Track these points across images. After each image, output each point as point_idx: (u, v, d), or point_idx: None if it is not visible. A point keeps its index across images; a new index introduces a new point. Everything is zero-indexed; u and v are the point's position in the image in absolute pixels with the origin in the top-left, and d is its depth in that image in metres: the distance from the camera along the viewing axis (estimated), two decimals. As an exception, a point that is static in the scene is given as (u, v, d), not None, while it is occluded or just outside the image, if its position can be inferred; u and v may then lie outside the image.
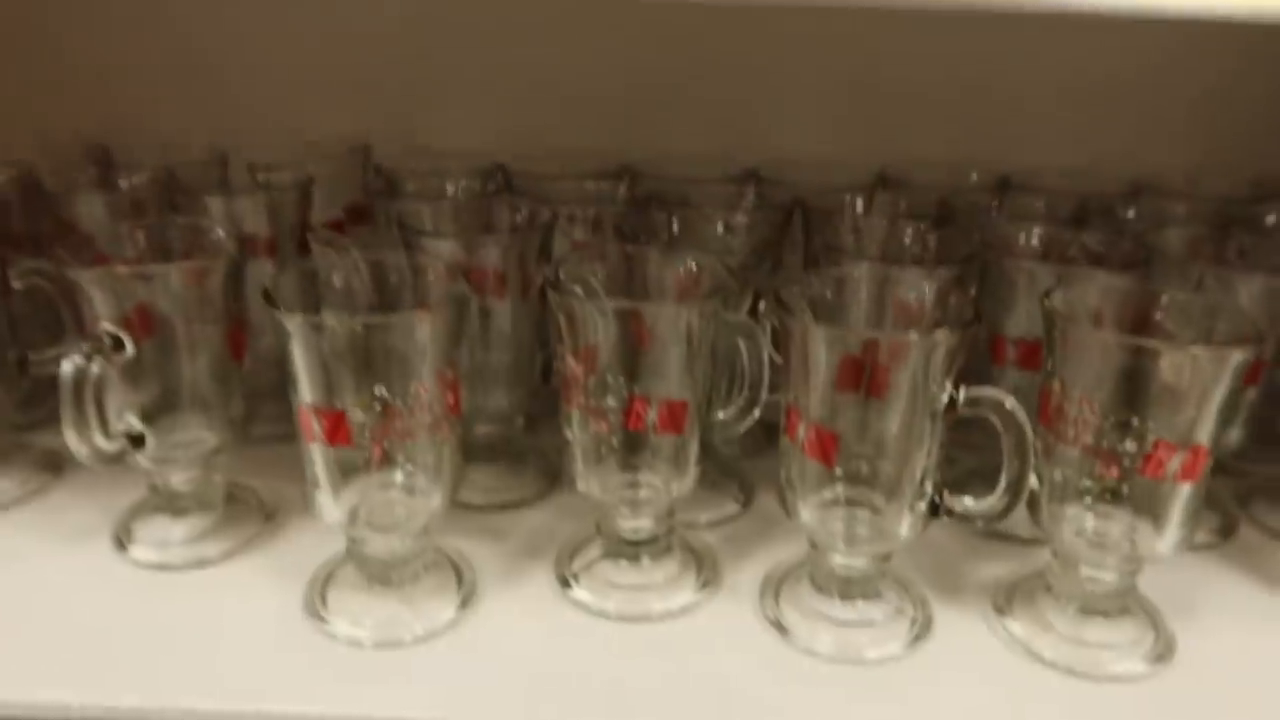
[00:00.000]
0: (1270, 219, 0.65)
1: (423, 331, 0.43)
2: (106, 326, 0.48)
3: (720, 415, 0.52)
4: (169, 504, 0.55)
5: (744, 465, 0.63)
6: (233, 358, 0.52)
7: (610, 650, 0.47)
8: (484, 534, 0.56)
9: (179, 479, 0.54)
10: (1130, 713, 0.45)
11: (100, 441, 0.48)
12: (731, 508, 0.59)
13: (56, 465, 0.62)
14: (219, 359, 0.52)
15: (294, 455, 0.48)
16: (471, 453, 0.60)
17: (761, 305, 0.55)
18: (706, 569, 0.53)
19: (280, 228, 0.62)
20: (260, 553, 0.54)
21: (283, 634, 0.48)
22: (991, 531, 0.57)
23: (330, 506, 0.46)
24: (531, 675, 0.46)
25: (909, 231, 0.59)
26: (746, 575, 0.53)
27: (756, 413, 0.52)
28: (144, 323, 0.49)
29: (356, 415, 0.43)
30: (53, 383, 0.47)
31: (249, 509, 0.57)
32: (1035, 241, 0.57)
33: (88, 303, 0.48)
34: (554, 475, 0.61)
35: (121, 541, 0.54)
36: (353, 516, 0.47)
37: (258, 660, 0.46)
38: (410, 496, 0.47)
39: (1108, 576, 0.47)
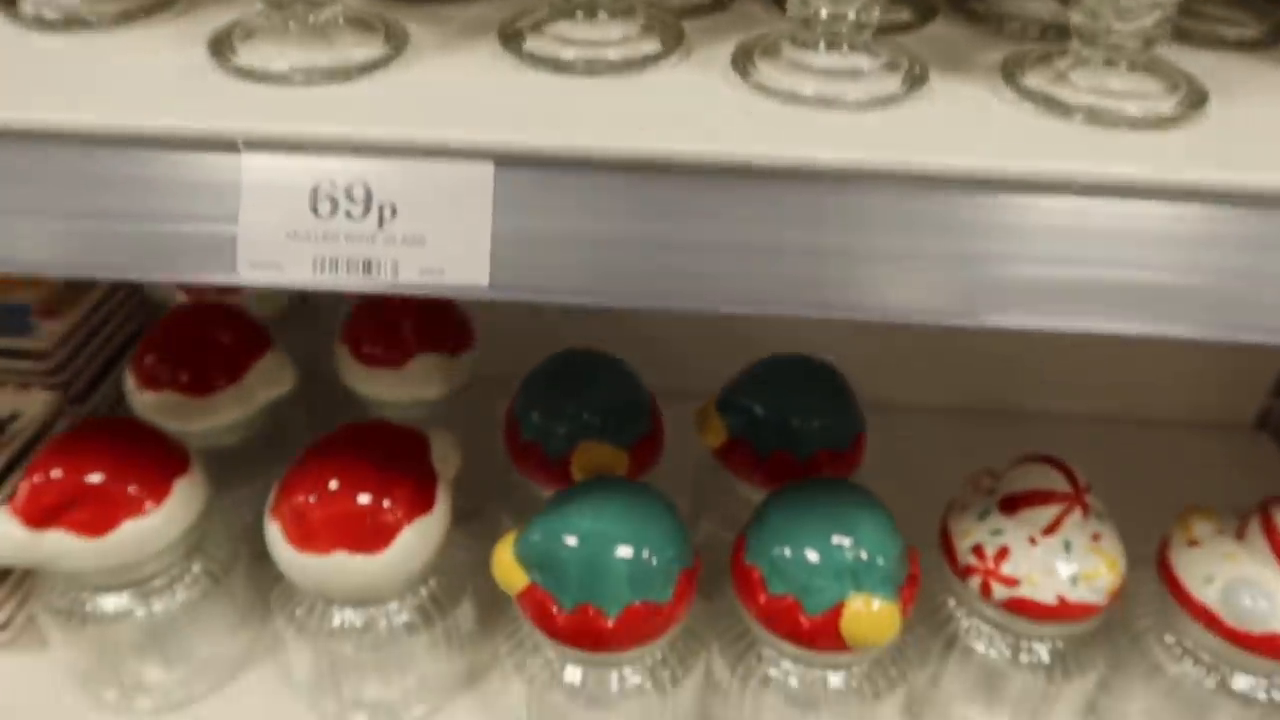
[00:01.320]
0: None
1: None
2: None
3: None
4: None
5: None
6: None
7: (561, 94, 0.41)
8: (421, 18, 0.49)
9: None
10: (1156, 156, 0.38)
11: None
12: None
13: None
14: None
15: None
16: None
17: None
18: (674, 36, 0.46)
19: None
20: (159, 20, 0.47)
21: (185, 75, 0.42)
22: (1001, 14, 0.50)
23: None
24: (473, 109, 0.40)
25: None
26: (722, 50, 0.46)
27: None
28: None
29: None
30: None
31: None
32: None
33: None
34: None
35: None
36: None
37: (158, 92, 0.40)
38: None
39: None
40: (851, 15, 0.41)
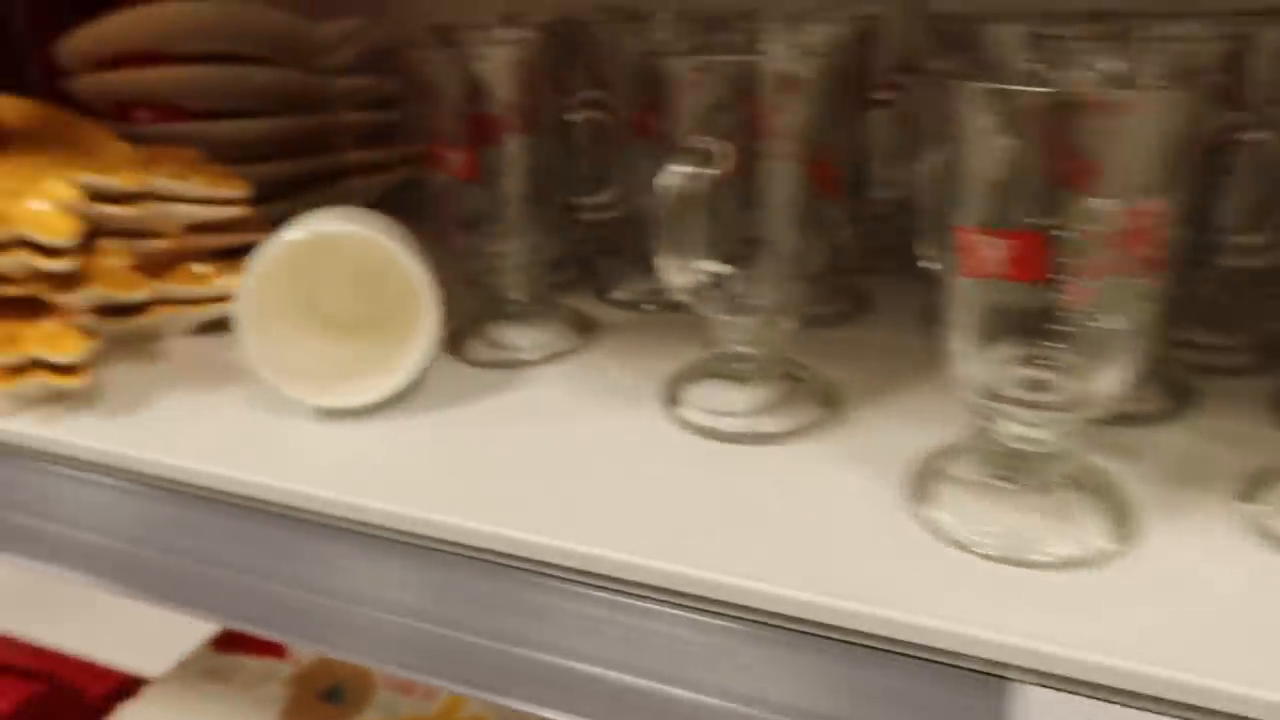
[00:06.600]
0: None
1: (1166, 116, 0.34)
2: (705, 140, 0.43)
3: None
4: (724, 368, 0.50)
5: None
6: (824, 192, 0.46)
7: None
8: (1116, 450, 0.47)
9: (740, 338, 0.49)
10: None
11: (683, 272, 0.44)
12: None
13: (588, 326, 0.63)
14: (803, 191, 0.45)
15: (852, 340, 0.54)
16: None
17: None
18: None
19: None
20: (829, 438, 0.49)
21: (883, 526, 0.42)
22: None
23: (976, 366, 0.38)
24: (1214, 613, 0.37)
25: None
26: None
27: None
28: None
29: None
30: (592, 232, 0.55)
31: (808, 389, 0.52)
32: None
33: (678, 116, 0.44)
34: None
35: (673, 402, 0.51)
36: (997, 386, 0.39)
37: (858, 554, 0.40)
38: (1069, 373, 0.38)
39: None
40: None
